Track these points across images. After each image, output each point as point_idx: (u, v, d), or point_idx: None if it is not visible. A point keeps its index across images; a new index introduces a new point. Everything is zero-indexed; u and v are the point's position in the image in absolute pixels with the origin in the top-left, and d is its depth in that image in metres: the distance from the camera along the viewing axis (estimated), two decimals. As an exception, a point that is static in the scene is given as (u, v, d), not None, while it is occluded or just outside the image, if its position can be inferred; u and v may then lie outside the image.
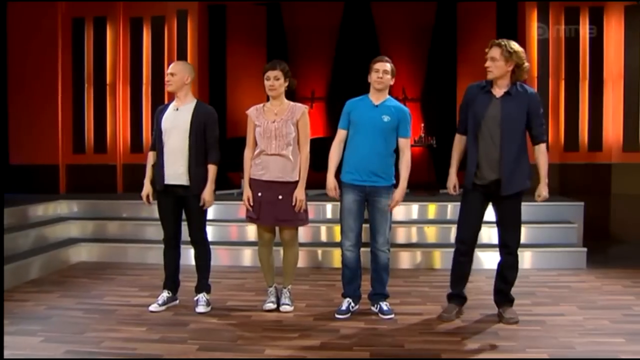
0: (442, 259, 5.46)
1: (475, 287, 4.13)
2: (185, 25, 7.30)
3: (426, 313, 4.12)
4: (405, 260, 5.62)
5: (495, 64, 3.70)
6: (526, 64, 3.73)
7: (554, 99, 6.88)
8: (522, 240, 5.58)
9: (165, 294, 4.26)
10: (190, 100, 4.12)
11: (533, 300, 4.43)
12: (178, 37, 7.30)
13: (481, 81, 3.84)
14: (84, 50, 7.37)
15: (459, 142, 3.96)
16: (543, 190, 3.83)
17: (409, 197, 6.65)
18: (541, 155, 3.84)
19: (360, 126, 3.91)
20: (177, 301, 4.33)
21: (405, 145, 3.99)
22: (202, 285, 4.24)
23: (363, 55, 8.62)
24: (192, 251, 4.28)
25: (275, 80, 3.97)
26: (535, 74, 6.83)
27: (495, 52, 3.71)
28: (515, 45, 3.71)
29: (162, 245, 4.25)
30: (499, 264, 3.97)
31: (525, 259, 5.50)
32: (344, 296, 4.09)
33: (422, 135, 8.09)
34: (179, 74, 4.07)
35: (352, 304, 4.07)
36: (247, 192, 4.04)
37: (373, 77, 3.92)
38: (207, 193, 4.06)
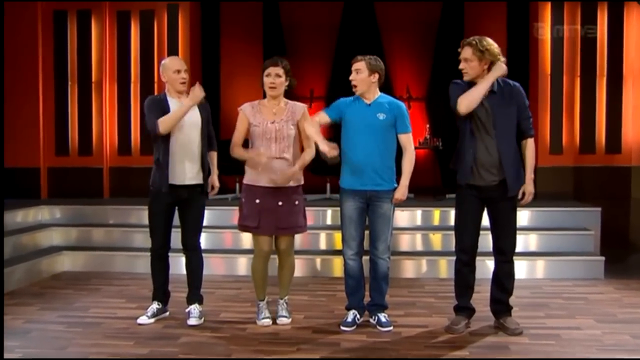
0: (448, 268, 5.44)
1: (484, 297, 4.13)
2: (177, 20, 7.31)
3: (432, 325, 4.12)
4: (409, 269, 5.62)
5: (469, 65, 3.74)
6: (502, 59, 3.76)
7: (569, 97, 6.88)
8: (535, 248, 5.76)
9: (154, 306, 4.25)
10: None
11: (546, 312, 4.43)
12: (168, 32, 7.30)
13: (462, 80, 3.84)
14: (67, 46, 7.36)
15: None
16: (529, 185, 3.84)
17: (413, 203, 6.70)
18: (529, 150, 3.88)
19: (355, 127, 3.93)
20: (168, 313, 4.33)
21: (407, 141, 4.01)
22: (194, 296, 4.23)
23: (365, 53, 8.72)
24: (180, 259, 4.28)
25: (277, 78, 3.96)
26: (548, 72, 6.85)
27: (467, 52, 3.75)
28: (487, 43, 3.73)
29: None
30: (495, 273, 4.00)
31: (538, 268, 5.53)
32: (349, 308, 4.09)
33: (428, 136, 8.11)
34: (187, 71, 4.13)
35: (358, 316, 4.07)
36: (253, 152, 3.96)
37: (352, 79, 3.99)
38: (215, 180, 4.20)
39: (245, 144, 4.10)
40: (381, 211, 3.97)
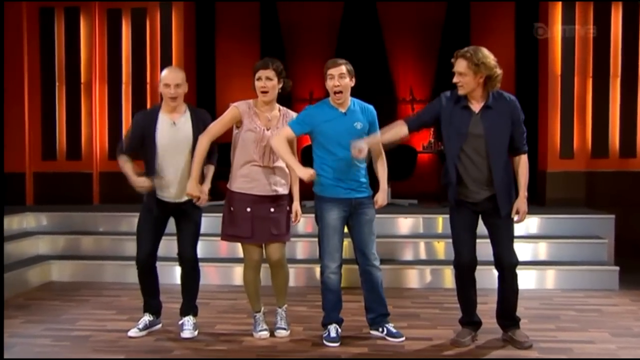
0: (453, 278, 5.42)
1: (491, 308, 4.12)
2: (170, 19, 7.30)
3: (437, 338, 4.11)
4: (412, 279, 5.61)
5: (464, 79, 3.72)
6: (498, 72, 3.72)
7: (580, 98, 6.88)
8: (544, 257, 5.76)
9: (146, 318, 4.24)
10: (183, 110, 4.08)
11: (557, 325, 4.42)
12: (161, 31, 7.29)
13: (454, 92, 3.83)
14: (54, 45, 7.36)
15: (399, 129, 3.88)
16: (522, 204, 3.82)
17: (416, 209, 6.71)
18: (522, 167, 3.87)
19: (332, 138, 3.89)
20: (160, 325, 4.32)
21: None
22: (189, 307, 4.23)
23: (366, 54, 8.83)
24: (175, 269, 4.27)
25: (268, 81, 3.92)
26: (559, 72, 6.86)
27: (461, 65, 3.71)
28: (482, 55, 3.68)
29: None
30: (499, 286, 3.99)
31: (548, 278, 5.52)
32: (329, 323, 4.04)
33: (432, 140, 8.14)
34: (183, 84, 4.02)
35: (339, 329, 4.06)
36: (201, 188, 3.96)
37: (329, 85, 3.92)
38: (204, 190, 4.02)
39: (228, 148, 4.06)
40: (367, 218, 3.99)
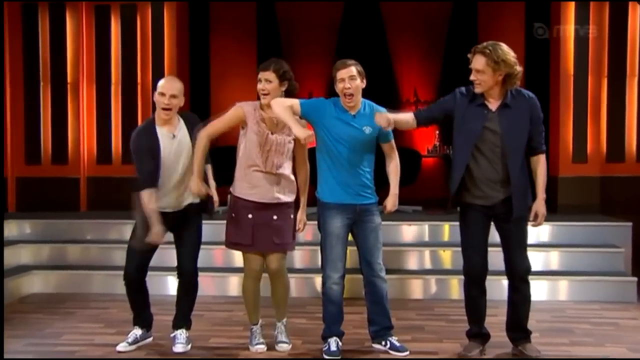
0: (460, 288, 5.32)
1: (500, 321, 4.11)
2: (162, 16, 7.33)
3: (443, 352, 4.11)
4: (417, 289, 5.61)
5: (482, 77, 3.69)
6: (518, 70, 3.71)
7: (594, 99, 6.89)
8: (557, 266, 5.76)
9: (136, 331, 4.22)
10: (176, 119, 4.05)
11: (571, 339, 4.40)
12: (153, 29, 7.32)
13: (469, 88, 3.83)
14: (39, 43, 7.36)
15: (408, 120, 3.91)
16: (541, 207, 3.83)
17: (421, 216, 6.71)
18: (541, 167, 3.87)
19: (338, 139, 3.89)
20: (151, 339, 4.30)
21: (392, 148, 4.06)
22: (182, 320, 4.20)
23: (368, 53, 8.83)
24: (167, 279, 4.26)
25: (267, 83, 3.92)
26: (571, 72, 6.88)
27: (479, 62, 3.69)
28: (502, 51, 3.66)
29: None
30: (509, 296, 3.98)
31: (561, 288, 5.52)
32: (329, 336, 4.03)
33: (437, 144, 8.17)
34: (179, 95, 3.99)
35: (340, 343, 4.05)
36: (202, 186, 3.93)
37: (339, 88, 3.90)
38: (214, 193, 4.08)
39: (228, 151, 4.05)
40: (373, 225, 3.98)
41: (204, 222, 4.17)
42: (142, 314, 4.24)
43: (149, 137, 3.95)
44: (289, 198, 4.03)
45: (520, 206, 3.79)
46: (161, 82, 4.02)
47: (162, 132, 3.98)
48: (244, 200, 3.97)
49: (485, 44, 3.73)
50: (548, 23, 7.25)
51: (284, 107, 3.84)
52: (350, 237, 4.04)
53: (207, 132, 3.94)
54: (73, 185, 7.35)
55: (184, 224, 4.09)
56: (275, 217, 3.97)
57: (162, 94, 3.94)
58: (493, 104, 3.78)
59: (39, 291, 5.80)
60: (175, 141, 4.00)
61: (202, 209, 4.12)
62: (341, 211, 3.94)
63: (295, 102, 3.92)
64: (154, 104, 4.05)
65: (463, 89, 3.87)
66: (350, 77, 3.87)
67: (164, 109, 3.94)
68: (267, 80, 3.92)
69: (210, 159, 4.17)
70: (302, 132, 3.77)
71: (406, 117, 3.94)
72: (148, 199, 3.88)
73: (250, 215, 3.95)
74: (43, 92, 7.41)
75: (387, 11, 9.28)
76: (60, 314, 5.07)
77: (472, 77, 3.74)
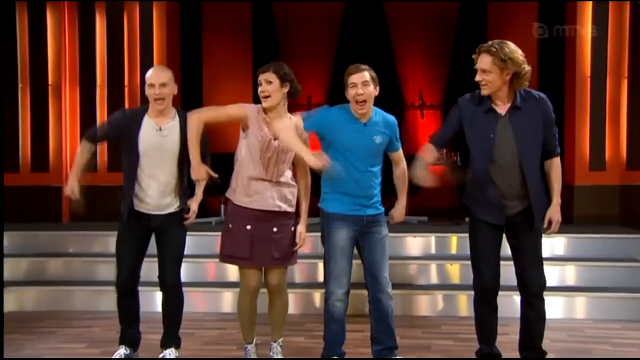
0: (469, 305, 5.39)
1: (512, 340, 4.09)
2: (151, 14, 7.36)
3: (452, 374, 4.11)
4: (423, 305, 5.59)
5: (489, 77, 3.69)
6: (527, 69, 3.71)
7: (613, 102, 6.90)
8: (573, 282, 5.74)
9: (122, 351, 4.20)
10: (172, 115, 4.07)
11: (591, 361, 4.40)
12: (141, 27, 7.35)
13: (474, 94, 3.84)
14: (17, 42, 7.35)
15: (429, 154, 3.93)
16: (556, 213, 3.81)
17: (427, 228, 6.69)
18: (556, 171, 3.87)
19: (347, 149, 3.89)
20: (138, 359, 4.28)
21: (400, 157, 4.11)
22: (171, 339, 4.20)
23: (371, 54, 8.85)
24: (155, 295, 4.24)
25: (268, 85, 3.92)
26: (588, 73, 6.89)
27: (485, 62, 3.69)
28: (510, 50, 3.66)
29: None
30: (523, 314, 3.96)
31: (578, 306, 5.49)
32: (329, 357, 4.02)
33: (444, 151, 8.14)
34: (170, 83, 4.02)
35: None
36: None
37: (351, 94, 3.90)
38: (194, 204, 4.12)
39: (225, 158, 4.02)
40: (380, 237, 3.99)
41: (194, 234, 4.16)
42: (129, 329, 4.23)
43: (132, 119, 4.05)
44: (290, 208, 4.02)
45: (541, 215, 3.78)
46: (149, 73, 4.06)
47: (148, 122, 4.03)
48: (243, 209, 3.95)
49: (491, 42, 3.74)
50: (563, 22, 7.27)
51: (292, 135, 3.82)
52: (355, 251, 4.02)
53: (203, 116, 3.93)
54: (55, 194, 7.31)
55: (166, 231, 4.10)
56: (275, 230, 3.96)
57: (152, 85, 3.99)
58: (502, 108, 3.77)
59: (14, 310, 5.75)
60: (159, 135, 4.01)
61: (185, 219, 4.14)
62: (347, 223, 3.93)
63: (299, 121, 3.94)
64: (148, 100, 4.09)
65: (467, 95, 3.88)
66: (363, 82, 3.87)
67: (156, 99, 3.98)
68: (268, 81, 3.92)
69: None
70: (316, 161, 3.72)
71: (427, 153, 3.93)
72: (81, 150, 4.14)
73: (249, 227, 3.93)
74: (22, 94, 7.41)
75: (390, 10, 9.30)
76: (38, 334, 5.04)
77: (478, 78, 3.74)
